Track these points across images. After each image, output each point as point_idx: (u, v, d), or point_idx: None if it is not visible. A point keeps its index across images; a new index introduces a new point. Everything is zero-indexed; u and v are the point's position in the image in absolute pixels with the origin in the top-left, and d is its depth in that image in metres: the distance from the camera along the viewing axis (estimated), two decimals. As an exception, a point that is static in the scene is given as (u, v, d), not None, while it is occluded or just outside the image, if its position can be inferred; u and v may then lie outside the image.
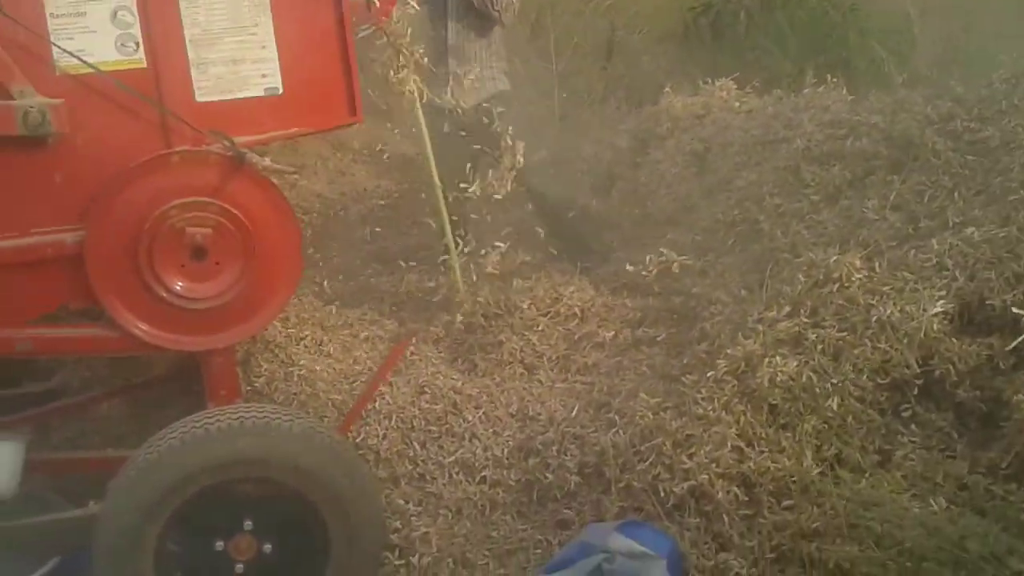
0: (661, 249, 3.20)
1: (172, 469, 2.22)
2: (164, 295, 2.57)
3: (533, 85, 6.28)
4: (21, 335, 2.57)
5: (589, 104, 6.04)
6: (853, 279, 2.71)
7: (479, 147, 3.85)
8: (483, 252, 4.26)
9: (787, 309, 2.74)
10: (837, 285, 2.72)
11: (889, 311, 2.57)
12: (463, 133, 3.80)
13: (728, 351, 2.65)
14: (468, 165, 3.72)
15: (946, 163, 3.11)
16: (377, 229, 5.39)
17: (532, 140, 4.18)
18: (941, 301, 2.57)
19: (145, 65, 2.45)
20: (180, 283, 2.58)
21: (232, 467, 2.27)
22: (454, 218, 4.14)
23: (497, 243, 4.41)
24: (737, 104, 4.46)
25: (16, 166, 2.42)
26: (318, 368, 3.06)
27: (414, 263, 4.52)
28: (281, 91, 2.58)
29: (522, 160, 3.83)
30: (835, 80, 4.09)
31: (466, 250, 4.35)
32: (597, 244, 4.26)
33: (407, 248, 4.94)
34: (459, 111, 3.89)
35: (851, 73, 5.15)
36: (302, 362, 3.07)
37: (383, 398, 2.94)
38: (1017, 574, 1.64)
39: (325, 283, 4.47)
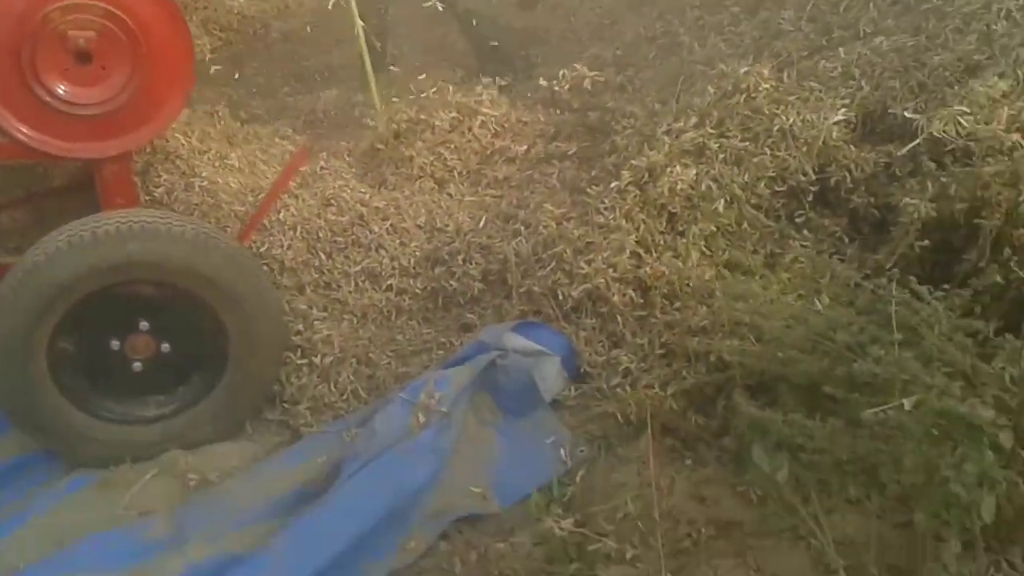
0: (574, 64, 3.11)
1: (58, 272, 2.18)
2: (48, 99, 2.47)
3: None
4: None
5: None
6: (760, 89, 2.68)
7: None
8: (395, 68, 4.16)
9: (694, 120, 2.72)
10: (744, 96, 2.69)
11: (791, 120, 2.55)
12: None
13: (633, 162, 2.64)
14: None
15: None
16: (300, 48, 5.20)
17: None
18: (843, 110, 2.56)
19: None
20: (64, 86, 2.48)
21: (122, 270, 2.23)
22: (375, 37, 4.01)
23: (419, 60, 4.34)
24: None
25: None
26: (221, 180, 2.99)
27: (334, 83, 4.40)
28: None
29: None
30: None
31: (390, 67, 4.24)
32: (520, 60, 4.15)
33: (329, 67, 4.78)
34: None
35: None
36: (204, 174, 2.99)
37: (288, 210, 2.89)
38: (876, 360, 1.71)
39: (239, 101, 4.34)
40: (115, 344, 2.32)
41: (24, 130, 2.50)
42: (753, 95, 2.69)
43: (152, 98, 2.59)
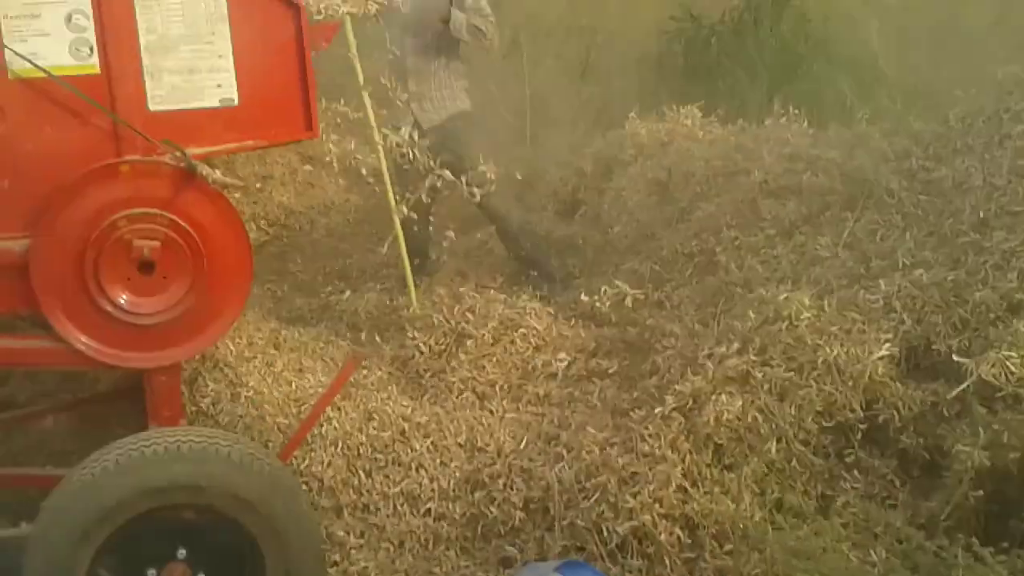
0: (616, 281, 3.19)
1: (106, 492, 2.17)
2: (109, 308, 2.51)
3: (505, 105, 6.27)
4: (-40, 343, 2.52)
5: (559, 125, 6.03)
6: (802, 317, 2.72)
7: (440, 168, 3.85)
8: (441, 274, 4.26)
9: (736, 345, 2.74)
10: (786, 323, 2.72)
11: (836, 352, 2.58)
12: (415, 155, 3.77)
13: (677, 387, 2.65)
14: (427, 185, 3.69)
15: (899, 202, 3.14)
16: (342, 245, 5.37)
17: (499, 161, 4.19)
18: (887, 344, 2.59)
19: (98, 71, 2.39)
20: (125, 296, 2.53)
21: (167, 493, 2.21)
22: (416, 230, 4.12)
23: (459, 266, 4.45)
24: (701, 132, 4.48)
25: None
26: (266, 390, 3.01)
27: (376, 282, 4.50)
28: (237, 102, 2.54)
29: (489, 181, 3.84)
30: (797, 112, 4.12)
31: (432, 272, 4.34)
32: (559, 270, 4.25)
33: (372, 266, 4.91)
34: (416, 132, 3.88)
35: (818, 104, 5.19)
36: (250, 383, 3.01)
37: (330, 423, 2.90)
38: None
39: (284, 299, 4.45)
40: (151, 573, 2.26)
41: (84, 340, 2.53)
42: (795, 323, 2.72)
43: (208, 309, 2.62)
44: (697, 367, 2.73)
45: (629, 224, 4.10)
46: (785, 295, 2.81)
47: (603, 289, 3.19)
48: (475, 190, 3.76)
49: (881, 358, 2.56)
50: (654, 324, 3.27)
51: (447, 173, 3.60)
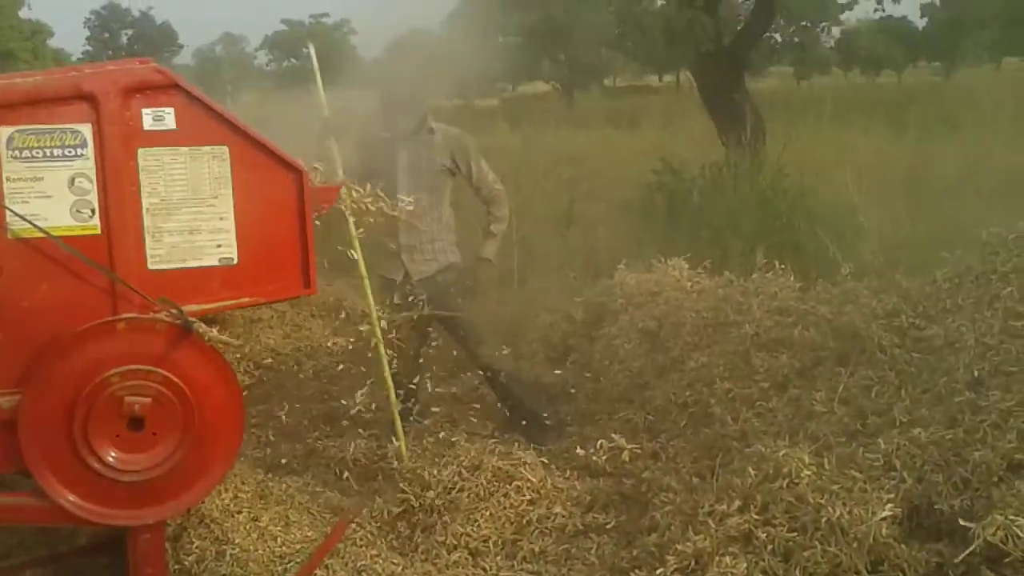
0: (612, 435, 3.17)
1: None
2: (96, 465, 2.47)
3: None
4: (-61, 500, 2.45)
5: (547, 272, 6.13)
6: (802, 475, 2.69)
7: (430, 318, 3.88)
8: (425, 420, 4.22)
9: (737, 503, 2.70)
10: (787, 481, 2.69)
11: (839, 512, 2.53)
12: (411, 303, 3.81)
13: (678, 546, 2.59)
14: (418, 335, 3.71)
15: (892, 359, 3.17)
16: (330, 387, 5.34)
17: (487, 308, 4.23)
18: (890, 504, 2.55)
19: (99, 232, 2.44)
20: (113, 454, 2.48)
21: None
22: (412, 385, 4.13)
23: (449, 412, 4.42)
24: (689, 284, 4.56)
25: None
26: (252, 547, 2.91)
27: (363, 427, 4.44)
28: (236, 261, 2.57)
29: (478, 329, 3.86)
30: (783, 267, 4.21)
31: (413, 417, 4.30)
32: (551, 417, 4.22)
33: (359, 410, 4.87)
34: (409, 284, 3.94)
35: (800, 257, 5.32)
36: (236, 539, 2.92)
37: (318, 583, 2.80)
38: None
39: (270, 444, 4.38)
40: None
41: (69, 497, 2.47)
42: (796, 481, 2.69)
43: (196, 466, 2.58)
44: (698, 525, 2.69)
45: (621, 372, 4.11)
46: (784, 451, 2.79)
47: (599, 443, 3.17)
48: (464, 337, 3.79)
49: (884, 518, 2.52)
50: (651, 477, 3.24)
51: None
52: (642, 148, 10.72)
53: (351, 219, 3.16)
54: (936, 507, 2.56)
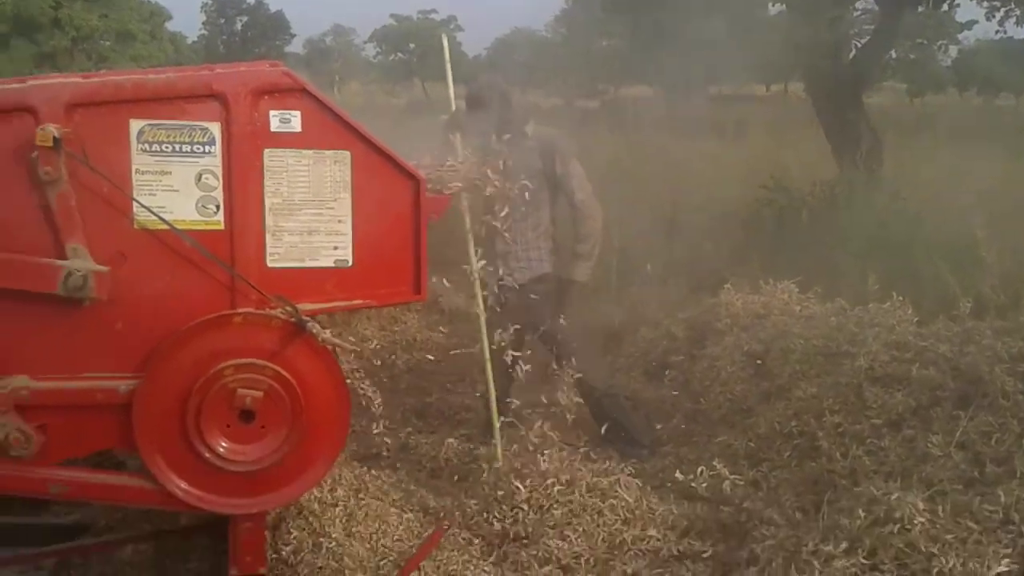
0: (714, 462, 3.09)
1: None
2: (206, 454, 2.54)
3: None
4: (57, 477, 2.54)
5: (646, 284, 6.03)
6: (915, 522, 2.58)
7: (522, 326, 3.87)
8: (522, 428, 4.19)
9: (844, 545, 2.60)
10: (898, 526, 2.58)
11: (952, 564, 2.43)
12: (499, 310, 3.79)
13: (781, 586, 2.51)
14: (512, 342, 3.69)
15: (1015, 406, 3.02)
16: (422, 383, 5.38)
17: (583, 318, 4.19)
18: (1006, 559, 2.43)
19: (223, 227, 2.50)
20: (223, 444, 2.55)
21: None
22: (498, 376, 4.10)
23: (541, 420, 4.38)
24: (798, 308, 4.43)
25: (76, 312, 2.43)
26: (347, 542, 2.95)
27: (456, 425, 4.46)
28: (351, 263, 2.61)
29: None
30: (901, 299, 4.04)
31: (505, 419, 4.28)
32: (646, 434, 4.15)
33: (450, 407, 4.90)
34: (503, 295, 3.91)
35: (914, 286, 5.10)
36: (332, 533, 2.97)
37: (411, 587, 2.81)
38: None
39: (362, 434, 4.42)
40: None
41: (178, 483, 2.54)
42: (908, 526, 2.58)
43: (301, 460, 2.64)
44: (801, 563, 2.60)
45: (723, 395, 4.02)
46: (896, 494, 2.68)
47: (700, 470, 3.09)
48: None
49: (1000, 574, 2.39)
50: (751, 507, 3.14)
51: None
52: (748, 159, 10.49)
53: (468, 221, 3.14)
54: (1055, 566, 2.42)
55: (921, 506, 2.62)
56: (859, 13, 9.04)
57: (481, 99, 3.98)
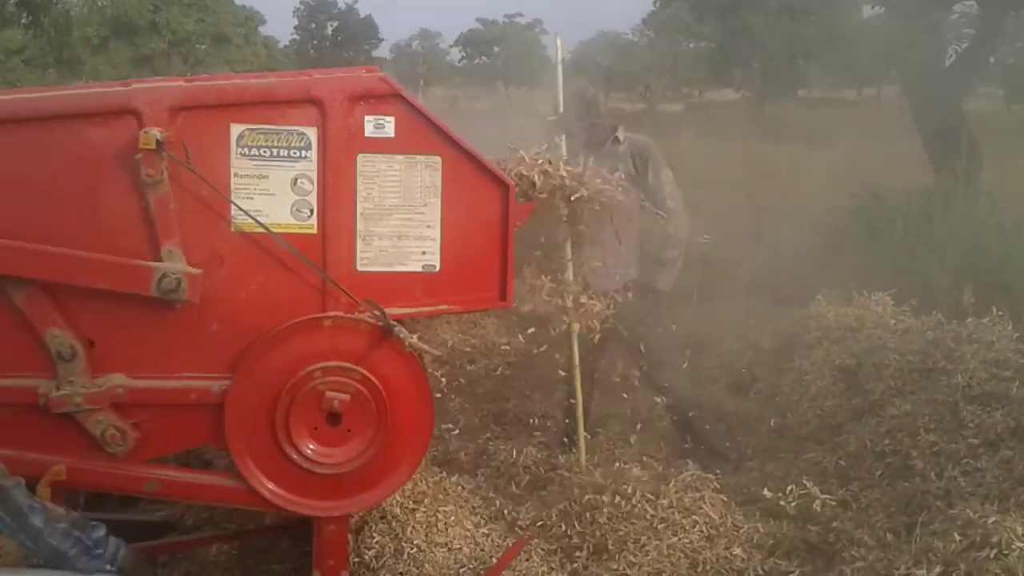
0: (804, 480, 3.01)
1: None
2: (293, 455, 2.57)
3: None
4: (150, 475, 2.61)
5: (732, 293, 5.91)
6: (1013, 547, 2.49)
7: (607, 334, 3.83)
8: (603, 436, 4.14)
9: (938, 569, 2.53)
10: (995, 551, 2.50)
11: (1052, 587, 2.32)
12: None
13: (870, 609, 2.43)
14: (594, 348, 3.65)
15: (1117, 427, 2.86)
16: (500, 388, 5.37)
17: (667, 327, 4.13)
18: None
19: (315, 231, 2.53)
20: (311, 446, 2.58)
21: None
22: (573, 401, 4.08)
23: (623, 430, 4.34)
24: (893, 322, 4.28)
25: (172, 313, 2.48)
26: (428, 548, 2.96)
27: (533, 431, 4.44)
28: (438, 269, 2.62)
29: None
30: (1000, 314, 3.88)
31: (594, 431, 4.25)
32: (730, 449, 4.07)
33: (529, 413, 4.88)
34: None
35: (1012, 299, 4.89)
36: (414, 539, 2.98)
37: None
38: None
39: (442, 439, 4.44)
40: None
41: (266, 483, 2.59)
42: (1005, 552, 2.49)
43: (385, 463, 2.65)
44: (893, 589, 2.51)
45: (811, 410, 3.91)
46: (994, 518, 2.58)
47: (789, 488, 3.01)
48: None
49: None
50: (840, 527, 3.05)
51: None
52: (838, 166, 10.23)
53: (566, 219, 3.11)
54: None
55: (1020, 531, 2.55)
56: (957, 16, 8.75)
57: (576, 103, 3.97)
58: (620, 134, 4.05)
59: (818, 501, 2.96)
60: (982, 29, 7.80)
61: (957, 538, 2.60)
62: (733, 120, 23.09)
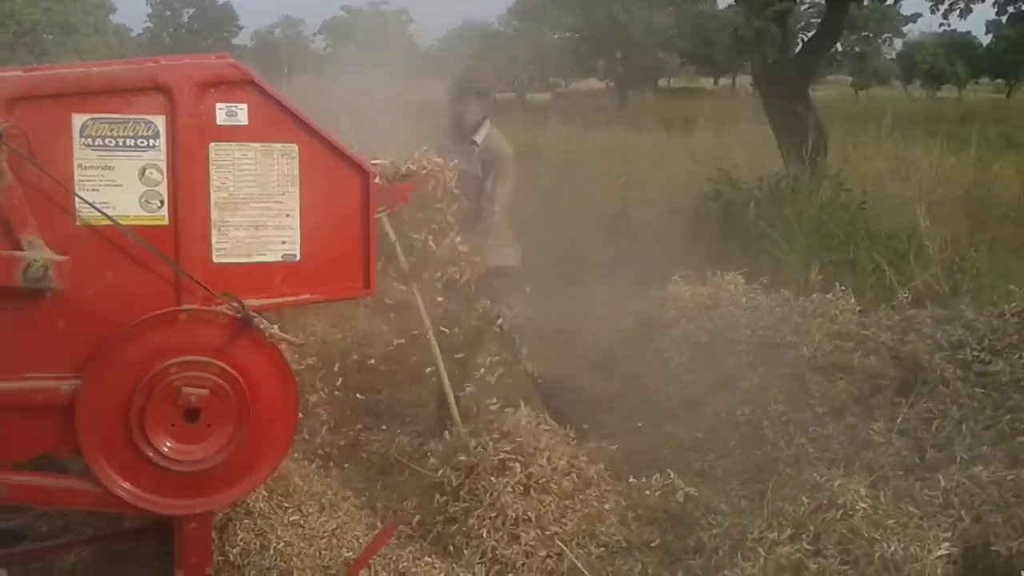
0: (668, 470, 3.11)
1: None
2: (150, 454, 2.49)
3: (543, 251, 6.32)
4: (-5, 479, 2.48)
5: (595, 277, 6.07)
6: (857, 507, 2.65)
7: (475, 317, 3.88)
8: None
9: (788, 532, 2.66)
10: (841, 512, 2.65)
11: (893, 548, 2.49)
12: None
13: (726, 572, 2.56)
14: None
15: (954, 392, 3.10)
16: (372, 380, 5.34)
17: (534, 310, 4.20)
18: (946, 543, 2.50)
19: (167, 223, 2.45)
20: (168, 443, 2.50)
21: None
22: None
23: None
24: (744, 299, 4.48)
25: (19, 311, 2.38)
26: (297, 543, 2.92)
27: (404, 423, 4.44)
28: (299, 258, 2.58)
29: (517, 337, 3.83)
30: (843, 288, 4.12)
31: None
32: (593, 425, 4.18)
33: (400, 404, 4.87)
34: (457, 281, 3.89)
35: (856, 276, 5.21)
36: (281, 534, 2.93)
37: (360, 586, 2.79)
38: None
39: (313, 432, 4.38)
40: None
41: (122, 484, 2.50)
42: (850, 512, 2.65)
43: (248, 458, 2.60)
44: (747, 551, 2.64)
45: (670, 386, 4.06)
46: (839, 481, 2.74)
47: (655, 477, 3.11)
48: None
49: (940, 557, 2.46)
50: (698, 495, 3.18)
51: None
52: (696, 153, 10.61)
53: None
54: (993, 549, 2.50)
55: (863, 492, 2.69)
56: (805, 6, 9.20)
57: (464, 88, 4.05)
58: (479, 136, 4.12)
59: (680, 492, 3.05)
60: (826, 18, 8.23)
61: (806, 501, 2.74)
62: (598, 109, 23.60)
